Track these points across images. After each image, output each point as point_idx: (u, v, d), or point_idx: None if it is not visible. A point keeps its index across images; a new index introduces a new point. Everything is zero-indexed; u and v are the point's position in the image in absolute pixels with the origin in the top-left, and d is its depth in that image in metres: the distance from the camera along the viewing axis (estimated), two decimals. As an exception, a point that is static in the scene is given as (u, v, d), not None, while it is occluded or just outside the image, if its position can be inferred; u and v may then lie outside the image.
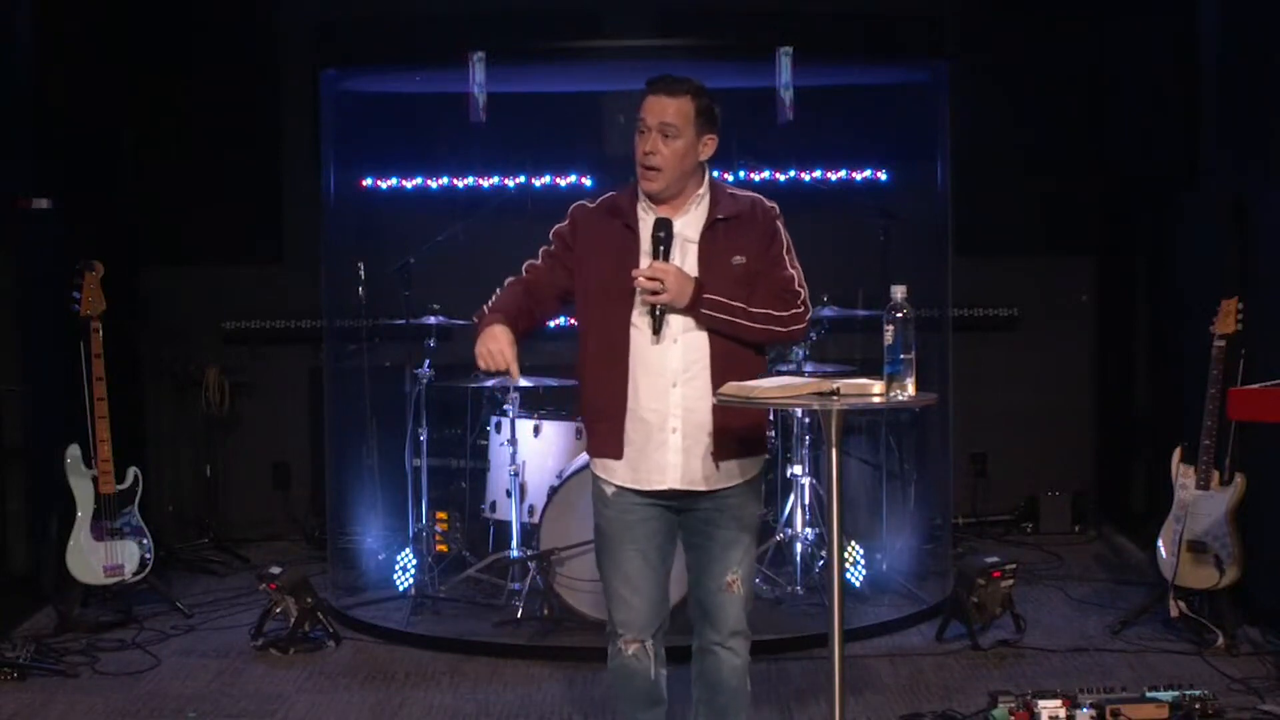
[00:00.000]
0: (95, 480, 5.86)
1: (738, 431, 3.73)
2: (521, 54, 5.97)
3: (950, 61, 6.24)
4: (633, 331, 3.69)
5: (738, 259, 3.70)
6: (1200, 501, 5.43)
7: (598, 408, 3.77)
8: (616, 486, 3.75)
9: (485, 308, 3.78)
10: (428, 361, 6.15)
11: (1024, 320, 7.54)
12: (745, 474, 3.78)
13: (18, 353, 6.16)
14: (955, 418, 6.47)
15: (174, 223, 7.27)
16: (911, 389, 3.50)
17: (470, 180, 7.23)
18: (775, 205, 3.82)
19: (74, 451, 5.85)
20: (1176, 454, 5.56)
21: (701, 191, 3.75)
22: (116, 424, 5.89)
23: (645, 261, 3.67)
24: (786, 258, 3.77)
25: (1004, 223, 7.28)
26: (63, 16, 6.41)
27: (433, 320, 6.19)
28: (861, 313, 6.19)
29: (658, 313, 3.64)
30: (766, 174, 7.09)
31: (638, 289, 3.63)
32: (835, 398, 3.47)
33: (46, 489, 6.03)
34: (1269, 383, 4.05)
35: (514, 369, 3.63)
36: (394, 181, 7.24)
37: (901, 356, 3.48)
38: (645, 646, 3.76)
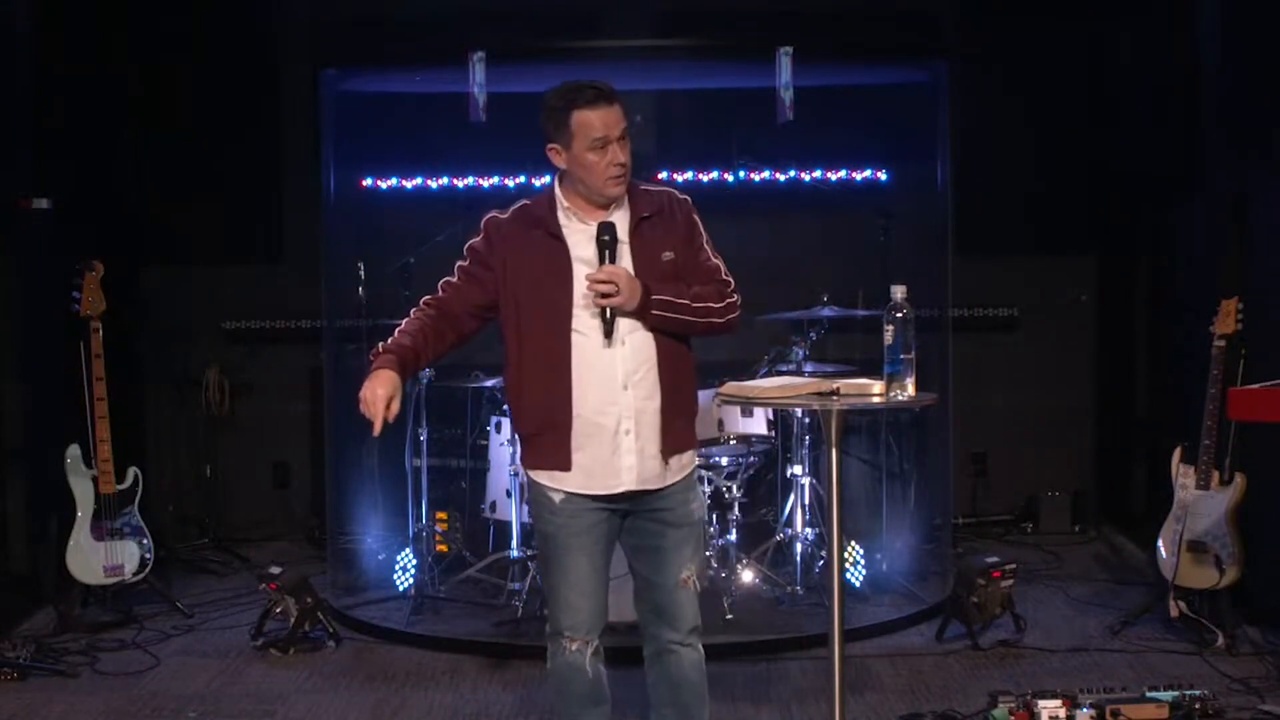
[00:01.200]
0: (95, 480, 5.86)
1: (680, 427, 3.74)
2: (521, 54, 5.97)
3: (950, 61, 6.24)
4: (575, 338, 3.65)
5: (667, 254, 3.71)
6: (1200, 501, 5.44)
7: (540, 419, 3.70)
8: (566, 493, 3.70)
9: (381, 345, 3.77)
10: (428, 361, 6.14)
11: (1024, 320, 7.54)
12: (687, 468, 3.79)
13: (18, 353, 6.16)
14: (955, 418, 6.47)
15: (174, 223, 7.26)
16: (911, 389, 3.50)
17: (470, 180, 7.23)
18: (688, 197, 3.82)
19: (74, 451, 5.86)
20: (1176, 454, 5.56)
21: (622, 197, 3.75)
22: (116, 424, 5.89)
23: (580, 268, 3.65)
24: (708, 248, 3.80)
25: (1004, 223, 7.27)
26: (62, 16, 6.41)
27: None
28: (861, 313, 6.19)
29: (609, 316, 3.62)
30: (766, 174, 7.09)
31: (590, 294, 3.61)
32: (835, 398, 3.48)
33: (46, 489, 6.03)
34: (1269, 383, 4.04)
35: (377, 424, 3.62)
36: (394, 181, 7.24)
37: (901, 356, 3.48)
38: (589, 647, 3.75)
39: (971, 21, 6.95)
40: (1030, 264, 7.48)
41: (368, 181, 7.19)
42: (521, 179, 7.16)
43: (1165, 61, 6.61)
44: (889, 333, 3.50)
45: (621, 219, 3.71)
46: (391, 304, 6.33)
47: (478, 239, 3.79)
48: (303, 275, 6.90)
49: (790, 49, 5.71)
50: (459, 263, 3.81)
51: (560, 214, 3.72)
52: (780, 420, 6.08)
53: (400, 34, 6.21)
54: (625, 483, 3.68)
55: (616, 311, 3.62)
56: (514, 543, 5.98)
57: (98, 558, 5.86)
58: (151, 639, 5.70)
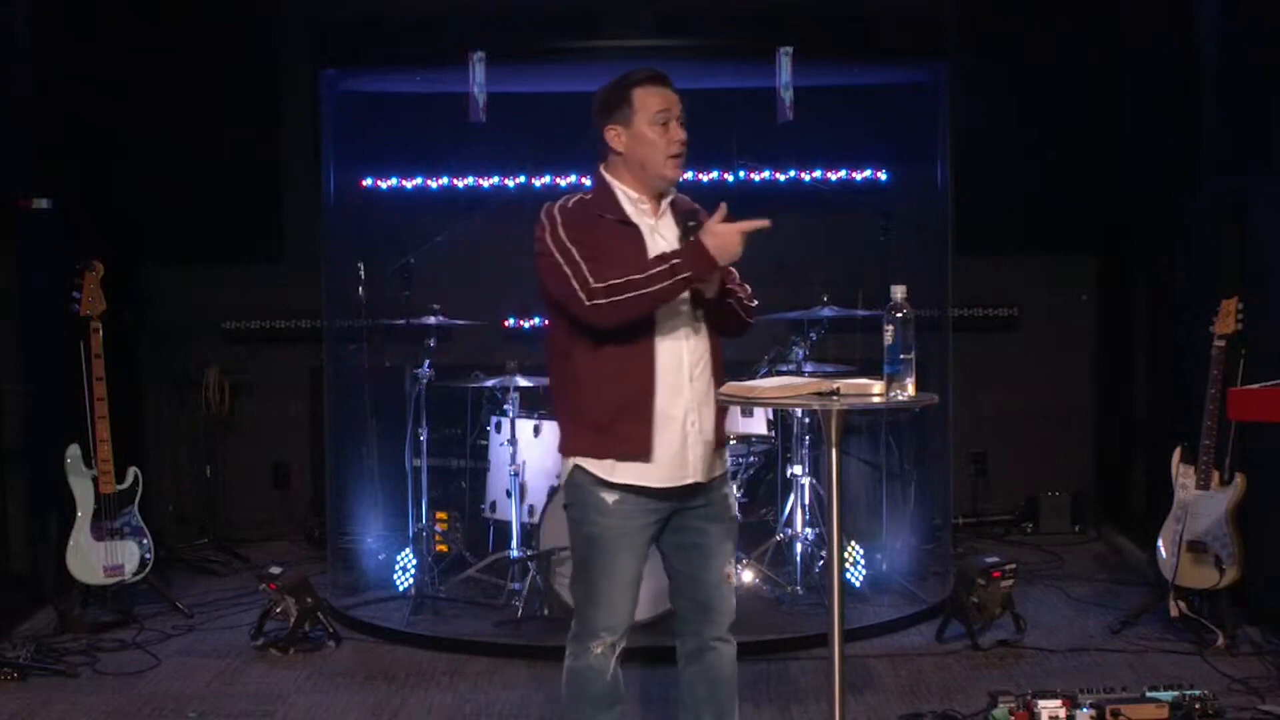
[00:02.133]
0: (95, 480, 5.87)
1: (721, 424, 3.80)
2: (521, 54, 5.97)
3: (950, 61, 6.24)
4: (656, 324, 3.65)
5: None
6: (1200, 501, 5.44)
7: (620, 407, 3.65)
8: (619, 493, 3.67)
9: (662, 270, 3.56)
10: (428, 361, 6.14)
11: (1024, 320, 7.55)
12: (726, 463, 3.87)
13: (18, 353, 6.16)
14: (955, 418, 6.47)
15: (174, 223, 7.27)
16: (911, 389, 3.50)
17: (470, 180, 7.24)
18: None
19: (74, 451, 5.86)
20: (1176, 454, 5.56)
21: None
22: (116, 424, 5.89)
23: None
24: None
25: (1004, 223, 7.28)
26: (63, 17, 6.41)
27: (433, 320, 6.18)
28: (861, 313, 6.19)
29: (699, 297, 3.67)
30: (766, 174, 7.09)
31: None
32: (835, 398, 3.47)
33: (46, 489, 6.03)
34: (1269, 383, 4.04)
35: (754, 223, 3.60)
36: (394, 181, 7.25)
37: (901, 356, 3.48)
38: (615, 649, 3.74)
39: (972, 22, 6.95)
40: (1030, 264, 7.48)
41: (368, 181, 7.20)
42: (521, 179, 7.17)
43: (1165, 61, 6.61)
44: (889, 333, 3.50)
45: (666, 213, 3.74)
46: (391, 304, 6.35)
47: (558, 228, 3.66)
48: (303, 275, 6.90)
49: (790, 49, 5.71)
50: (564, 250, 3.62)
51: (625, 203, 3.72)
52: (780, 420, 6.08)
53: (400, 34, 6.19)
54: (692, 474, 3.70)
55: (705, 292, 3.65)
56: (514, 543, 5.98)
57: (98, 558, 5.86)
58: (151, 639, 5.70)
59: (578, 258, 3.61)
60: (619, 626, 3.73)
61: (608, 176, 3.75)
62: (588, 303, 3.56)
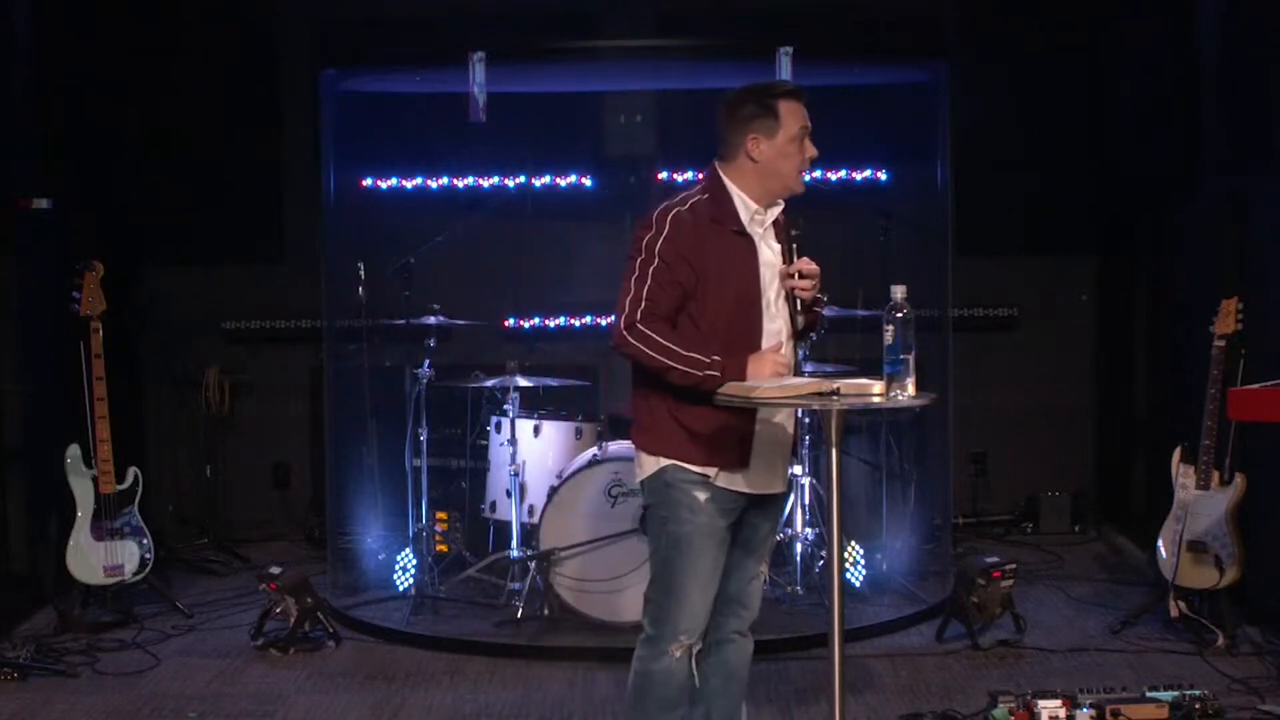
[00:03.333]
0: (95, 480, 5.86)
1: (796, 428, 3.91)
2: (521, 54, 5.97)
3: (950, 61, 6.24)
4: (763, 334, 3.71)
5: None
6: (1200, 501, 5.44)
7: (726, 417, 3.64)
8: (711, 492, 3.68)
9: (702, 362, 3.57)
10: (428, 361, 6.14)
11: (1024, 320, 7.54)
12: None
13: (18, 353, 6.16)
14: (955, 418, 6.47)
15: (174, 223, 7.27)
16: (911, 389, 3.50)
17: (470, 180, 7.23)
18: None
19: (74, 451, 5.86)
20: (1176, 454, 5.56)
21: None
22: (116, 424, 5.89)
23: (764, 269, 3.71)
24: None
25: (1004, 223, 7.28)
26: (63, 17, 6.41)
27: (433, 320, 6.18)
28: (861, 313, 6.19)
29: (799, 308, 3.73)
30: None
31: (788, 285, 3.70)
32: (835, 398, 3.47)
33: (46, 489, 6.03)
34: (1269, 383, 4.04)
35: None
36: (394, 181, 7.24)
37: (901, 356, 3.48)
38: (693, 651, 3.77)
39: (972, 22, 6.95)
40: (1030, 264, 7.48)
41: (368, 181, 7.19)
42: (521, 179, 7.16)
43: (1165, 61, 6.61)
44: (889, 333, 3.50)
45: (771, 227, 3.80)
46: (391, 304, 6.35)
47: (664, 236, 3.64)
48: (303, 275, 6.91)
49: (790, 49, 5.70)
50: (649, 266, 3.62)
51: (743, 211, 3.73)
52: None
53: (400, 34, 6.20)
54: (780, 484, 3.81)
55: (804, 306, 3.72)
56: (514, 543, 5.98)
57: (98, 558, 5.86)
58: (151, 639, 5.70)
59: (652, 279, 3.61)
60: (697, 629, 3.74)
61: (728, 181, 3.74)
62: (622, 326, 3.61)
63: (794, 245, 3.72)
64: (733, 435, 3.69)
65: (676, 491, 3.70)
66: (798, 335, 3.81)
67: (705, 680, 3.87)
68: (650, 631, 3.75)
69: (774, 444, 3.76)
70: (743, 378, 3.57)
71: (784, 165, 3.72)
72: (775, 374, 3.61)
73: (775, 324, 3.73)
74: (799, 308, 3.72)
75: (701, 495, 3.69)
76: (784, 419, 3.78)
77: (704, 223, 3.68)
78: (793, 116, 3.72)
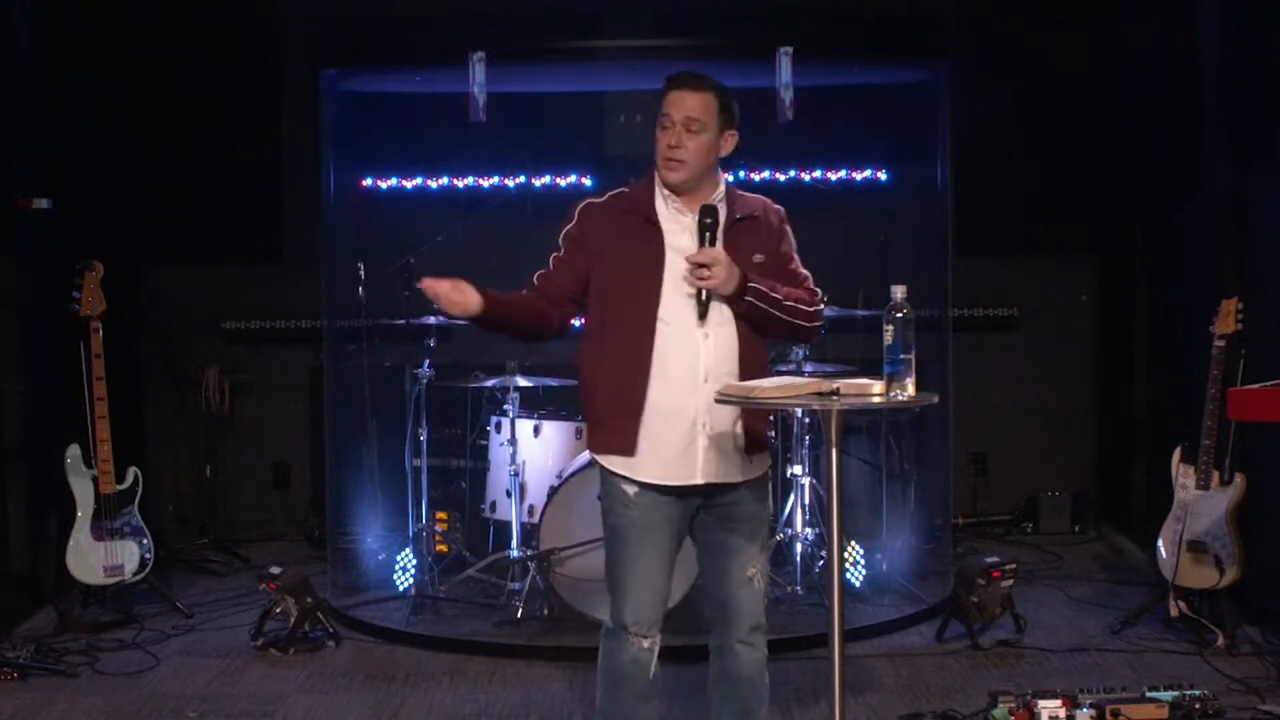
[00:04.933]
0: (95, 480, 5.86)
1: (755, 427, 3.77)
2: (521, 54, 5.97)
3: (950, 61, 6.24)
4: (660, 326, 3.68)
5: (758, 257, 3.75)
6: (1200, 501, 5.44)
7: (611, 401, 3.73)
8: (639, 485, 3.72)
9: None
10: (428, 361, 6.14)
11: (1024, 320, 7.54)
12: (760, 468, 3.83)
13: (18, 353, 6.16)
14: (955, 418, 6.47)
15: (174, 223, 7.27)
16: (911, 389, 3.50)
17: (470, 180, 7.23)
18: (782, 208, 3.90)
19: (74, 451, 5.86)
20: (1176, 454, 5.56)
21: (719, 193, 3.79)
22: (116, 424, 5.89)
23: (674, 256, 3.69)
24: (797, 257, 3.88)
25: (1004, 223, 7.27)
26: (63, 17, 6.41)
27: (433, 320, 6.18)
28: (861, 313, 6.19)
29: (704, 298, 3.66)
30: (766, 174, 7.08)
31: (686, 277, 3.65)
32: (835, 398, 3.47)
33: (46, 489, 6.03)
34: (1269, 383, 4.04)
35: (436, 288, 3.73)
36: (394, 181, 7.24)
37: (901, 356, 3.48)
38: (651, 642, 3.76)
39: (972, 21, 6.95)
40: (1030, 264, 7.48)
41: (368, 181, 7.19)
42: (521, 179, 7.16)
43: (1165, 61, 6.61)
44: (889, 333, 3.50)
45: (720, 217, 3.75)
46: (391, 304, 6.35)
47: (572, 225, 3.80)
48: (303, 275, 6.90)
49: (790, 49, 5.71)
50: (553, 253, 3.81)
51: (659, 200, 3.75)
52: (780, 420, 6.07)
53: (400, 34, 6.20)
54: (699, 476, 3.71)
55: (711, 295, 3.66)
56: (514, 543, 5.98)
57: (98, 558, 5.86)
58: (151, 639, 5.70)
59: (550, 263, 3.80)
60: (644, 621, 3.74)
61: (656, 174, 3.79)
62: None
63: (707, 234, 3.67)
64: (618, 418, 3.71)
65: (609, 485, 3.77)
66: (780, 335, 3.84)
67: (714, 686, 3.88)
68: (609, 624, 3.80)
69: (690, 429, 3.69)
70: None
71: (657, 152, 3.74)
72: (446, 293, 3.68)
73: (679, 309, 3.68)
74: (703, 296, 3.66)
75: (630, 489, 3.73)
76: (708, 403, 3.66)
77: (616, 212, 3.77)
78: (662, 104, 3.74)
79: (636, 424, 3.70)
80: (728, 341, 3.71)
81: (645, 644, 3.75)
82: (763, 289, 3.69)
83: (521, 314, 3.78)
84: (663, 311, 3.69)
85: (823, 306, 3.88)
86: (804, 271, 3.88)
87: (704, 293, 3.66)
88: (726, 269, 3.63)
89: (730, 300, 3.68)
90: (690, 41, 6.05)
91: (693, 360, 3.69)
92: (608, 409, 3.75)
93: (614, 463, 3.76)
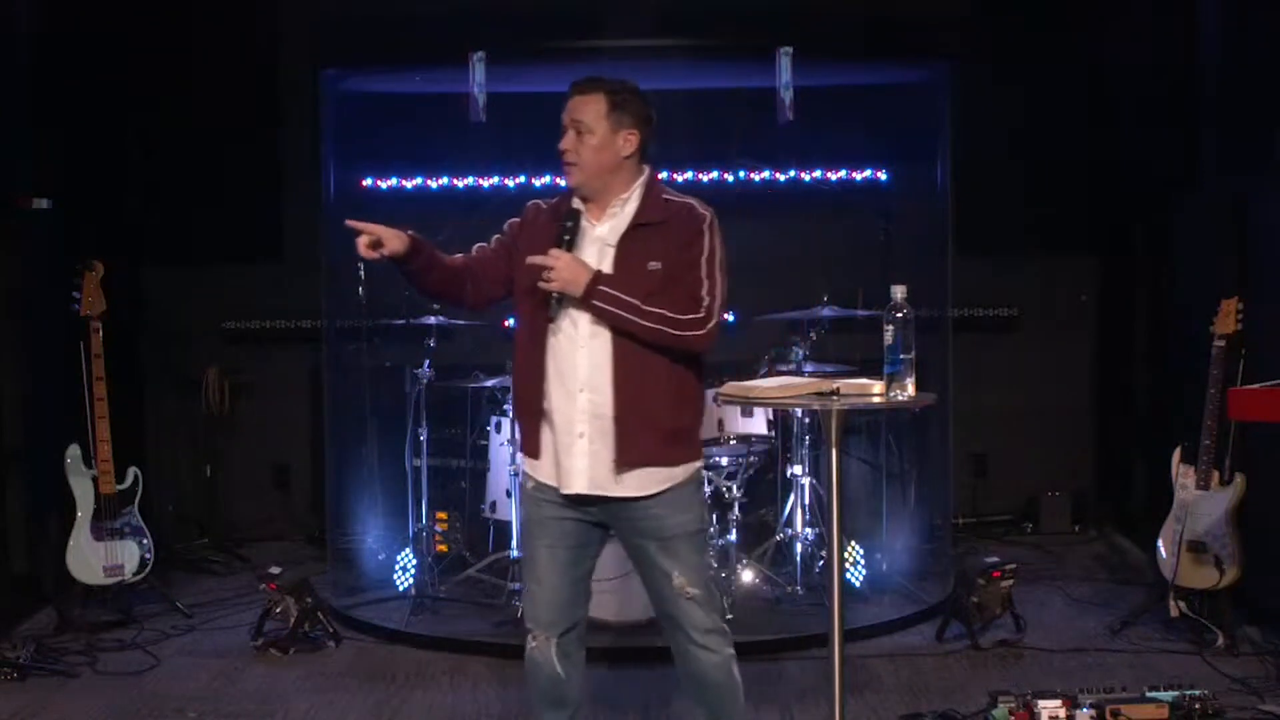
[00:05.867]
0: (95, 480, 5.87)
1: (648, 441, 3.64)
2: (521, 54, 5.97)
3: (950, 61, 6.24)
4: (551, 332, 3.67)
5: (654, 264, 3.61)
6: (1200, 501, 5.44)
7: (521, 406, 3.79)
8: (536, 482, 3.76)
9: None
10: (428, 361, 6.14)
11: (1024, 320, 7.55)
12: (664, 483, 3.67)
13: (18, 353, 6.16)
14: (955, 418, 6.47)
15: (174, 223, 7.27)
16: (911, 389, 3.50)
17: (470, 180, 7.24)
18: (709, 213, 3.70)
19: (74, 451, 5.86)
20: (1176, 454, 5.56)
21: (628, 195, 3.71)
22: (116, 424, 5.89)
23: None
24: (705, 265, 3.64)
25: (1004, 223, 7.27)
26: (63, 17, 6.41)
27: (433, 320, 6.18)
28: (861, 313, 6.19)
29: (553, 299, 3.62)
30: (766, 174, 7.09)
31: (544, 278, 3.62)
32: (835, 398, 3.47)
33: (46, 489, 6.03)
34: (1269, 383, 4.04)
35: (362, 232, 3.74)
36: (394, 181, 7.24)
37: (901, 356, 3.49)
38: (550, 643, 3.74)
39: (972, 21, 6.95)
40: (1030, 264, 7.48)
41: (368, 181, 7.19)
42: (521, 179, 7.16)
43: (1165, 61, 6.61)
44: (889, 333, 3.50)
45: (620, 222, 3.71)
46: (391, 304, 6.35)
47: (515, 218, 3.87)
48: (303, 275, 6.90)
49: (790, 49, 5.71)
50: (496, 234, 3.89)
51: (579, 204, 3.75)
52: (780, 420, 6.08)
53: (400, 34, 6.20)
54: (577, 485, 3.66)
55: (562, 298, 3.61)
56: (514, 543, 5.98)
57: (98, 558, 5.86)
58: (151, 639, 5.70)
59: (493, 239, 3.87)
60: (538, 619, 3.76)
61: None
62: None
63: (566, 237, 3.65)
64: (527, 420, 3.75)
65: (523, 477, 3.84)
66: (657, 346, 3.60)
67: (682, 684, 3.88)
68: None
69: (568, 436, 3.65)
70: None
71: None
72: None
73: (566, 322, 3.64)
74: (553, 298, 3.61)
75: (530, 485, 3.79)
76: (587, 414, 3.62)
77: (547, 214, 3.77)
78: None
79: (537, 426, 3.72)
80: (602, 351, 3.62)
81: (534, 643, 3.75)
82: (612, 294, 3.56)
83: (440, 272, 3.80)
84: (557, 319, 3.66)
85: (704, 316, 3.60)
86: (702, 280, 3.63)
87: (552, 294, 3.61)
88: (568, 270, 3.57)
89: (580, 303, 3.60)
90: (690, 41, 6.05)
91: (572, 369, 3.66)
92: (518, 410, 3.82)
93: (525, 462, 3.82)
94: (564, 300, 3.61)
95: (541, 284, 3.59)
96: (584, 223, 3.71)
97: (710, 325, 3.62)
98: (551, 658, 3.75)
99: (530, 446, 3.76)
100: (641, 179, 3.74)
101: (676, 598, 3.71)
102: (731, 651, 3.81)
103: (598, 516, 3.73)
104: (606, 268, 3.64)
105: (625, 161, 3.71)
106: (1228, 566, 5.31)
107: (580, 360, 3.64)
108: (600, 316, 3.60)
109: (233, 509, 7.52)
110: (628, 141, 3.70)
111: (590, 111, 3.67)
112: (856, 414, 6.30)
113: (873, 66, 6.36)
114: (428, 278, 3.80)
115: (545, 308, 3.63)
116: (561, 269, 3.57)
